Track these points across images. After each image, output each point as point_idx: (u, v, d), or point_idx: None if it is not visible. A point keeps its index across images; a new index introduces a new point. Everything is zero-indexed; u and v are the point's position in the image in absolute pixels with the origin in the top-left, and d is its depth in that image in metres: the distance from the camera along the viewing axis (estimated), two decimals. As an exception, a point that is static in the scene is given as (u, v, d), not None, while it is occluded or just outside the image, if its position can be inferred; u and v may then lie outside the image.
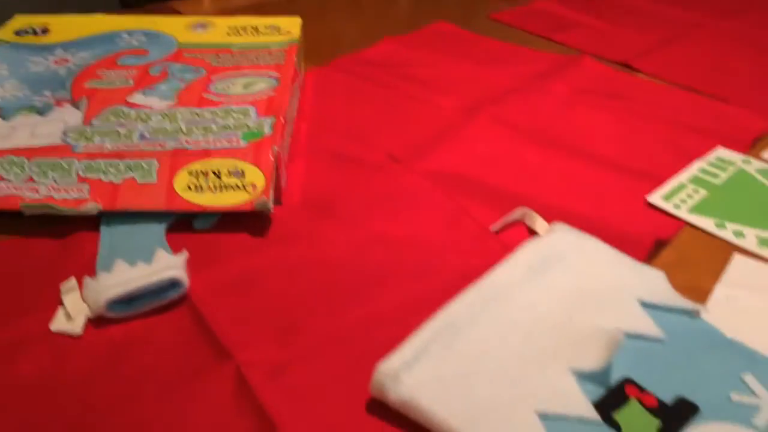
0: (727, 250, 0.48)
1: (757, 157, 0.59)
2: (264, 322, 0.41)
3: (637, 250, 0.47)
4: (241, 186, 0.48)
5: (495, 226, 0.50)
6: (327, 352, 0.39)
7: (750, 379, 0.36)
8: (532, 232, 0.49)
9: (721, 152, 0.59)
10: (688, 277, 0.46)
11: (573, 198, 0.54)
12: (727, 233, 0.48)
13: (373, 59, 0.77)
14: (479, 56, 0.79)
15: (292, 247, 0.48)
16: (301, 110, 0.65)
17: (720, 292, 0.44)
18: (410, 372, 0.35)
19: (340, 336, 0.40)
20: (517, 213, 0.50)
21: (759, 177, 0.55)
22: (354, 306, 0.42)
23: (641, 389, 0.36)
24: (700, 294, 0.44)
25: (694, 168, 0.56)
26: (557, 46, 0.83)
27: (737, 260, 0.46)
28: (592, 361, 0.37)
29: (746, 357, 0.38)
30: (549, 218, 0.49)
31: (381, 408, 0.35)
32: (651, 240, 0.48)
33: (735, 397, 0.35)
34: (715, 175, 0.55)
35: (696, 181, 0.54)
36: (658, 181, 0.56)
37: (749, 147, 0.61)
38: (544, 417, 0.34)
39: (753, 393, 0.36)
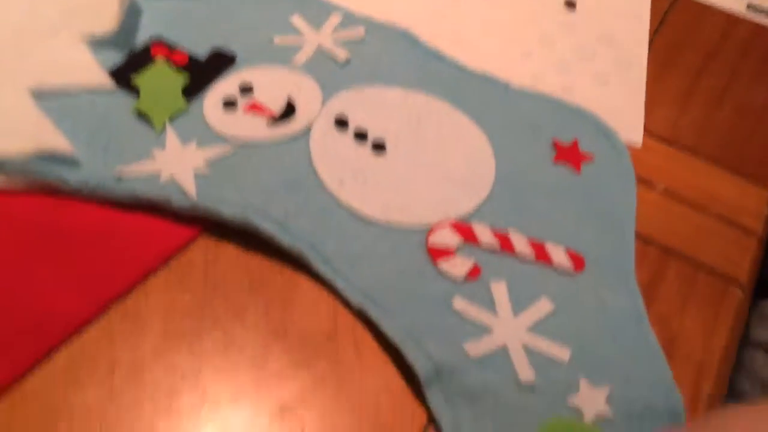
0: None
1: None
2: None
3: None
4: None
5: None
6: None
7: (297, 19, 0.32)
8: None
9: None
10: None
11: None
12: None
13: None
14: None
15: None
16: None
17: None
18: None
19: None
20: None
21: None
22: None
23: (172, 48, 0.30)
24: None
25: None
26: None
27: None
28: (106, 24, 0.30)
29: (297, -2, 0.34)
30: None
31: None
32: None
33: (278, 40, 0.32)
34: None
35: None
36: None
37: None
38: (39, 95, 0.27)
39: (298, 32, 0.32)
